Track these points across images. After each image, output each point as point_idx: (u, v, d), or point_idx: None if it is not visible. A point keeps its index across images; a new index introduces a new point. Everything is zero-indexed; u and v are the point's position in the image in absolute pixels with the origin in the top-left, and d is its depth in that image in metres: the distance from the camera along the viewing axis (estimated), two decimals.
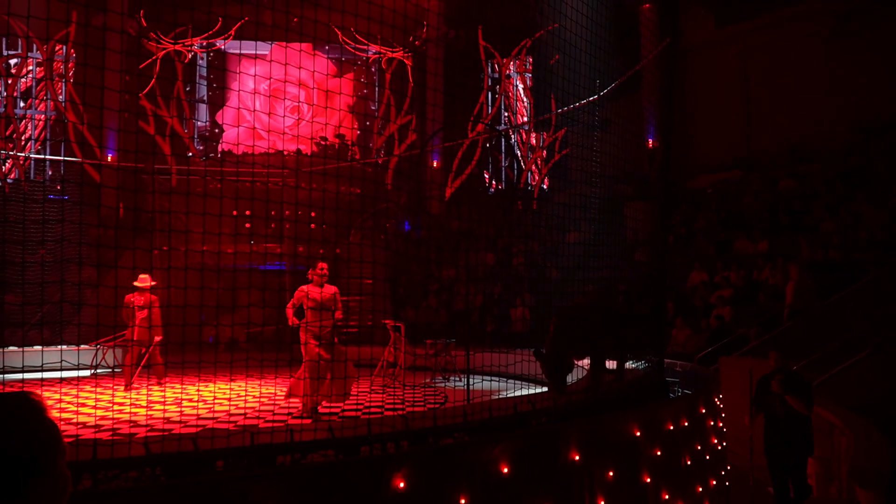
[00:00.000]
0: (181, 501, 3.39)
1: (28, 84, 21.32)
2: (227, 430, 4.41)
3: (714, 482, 6.56)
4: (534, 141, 23.36)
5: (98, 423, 7.61)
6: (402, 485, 3.75)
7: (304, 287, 8.19)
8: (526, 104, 23.83)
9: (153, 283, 11.10)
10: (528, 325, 14.69)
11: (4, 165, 20.38)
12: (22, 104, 21.31)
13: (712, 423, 6.86)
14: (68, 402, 8.53)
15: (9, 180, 20.10)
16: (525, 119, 23.66)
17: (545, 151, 22.79)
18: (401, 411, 7.59)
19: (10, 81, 20.86)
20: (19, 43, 20.95)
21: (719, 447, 7.03)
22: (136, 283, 10.92)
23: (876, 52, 17.23)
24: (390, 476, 3.75)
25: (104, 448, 3.79)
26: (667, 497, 5.41)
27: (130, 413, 7.70)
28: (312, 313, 8.07)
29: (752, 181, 17.81)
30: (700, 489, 6.11)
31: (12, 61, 21.21)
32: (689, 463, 5.95)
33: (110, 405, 8.51)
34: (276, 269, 15.74)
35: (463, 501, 3.93)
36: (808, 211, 14.42)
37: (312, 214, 14.96)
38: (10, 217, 13.97)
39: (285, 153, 19.61)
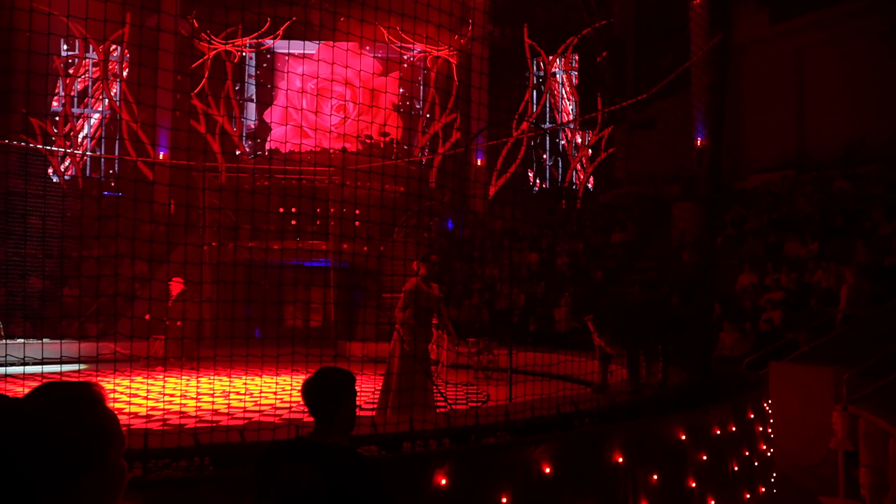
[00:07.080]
0: (229, 492, 3.46)
1: (85, 84, 22.02)
2: (273, 424, 4.49)
3: (763, 489, 6.41)
4: (579, 140, 23.16)
5: (149, 413, 7.83)
6: (443, 482, 3.76)
7: (417, 282, 7.05)
8: (571, 102, 23.64)
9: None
10: (572, 325, 14.55)
11: (63, 163, 21.08)
12: (78, 103, 22.02)
13: (761, 429, 6.70)
14: (121, 392, 8.79)
15: (66, 177, 20.80)
16: (570, 117, 23.47)
17: (590, 150, 22.57)
18: (443, 409, 7.61)
19: (67, 81, 21.56)
20: (77, 44, 21.64)
21: (768, 453, 6.87)
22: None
23: None
24: (432, 473, 3.77)
25: (155, 437, 3.90)
26: (713, 503, 5.31)
27: (180, 404, 7.89)
28: (426, 315, 7.10)
29: (804, 182, 17.32)
30: (748, 496, 5.98)
31: (70, 62, 21.94)
32: (736, 469, 5.83)
33: (161, 395, 8.75)
34: (321, 266, 15.93)
35: (504, 500, 3.92)
36: (864, 213, 13.96)
37: (357, 212, 15.11)
38: (67, 213, 14.43)
39: (331, 151, 19.82)
